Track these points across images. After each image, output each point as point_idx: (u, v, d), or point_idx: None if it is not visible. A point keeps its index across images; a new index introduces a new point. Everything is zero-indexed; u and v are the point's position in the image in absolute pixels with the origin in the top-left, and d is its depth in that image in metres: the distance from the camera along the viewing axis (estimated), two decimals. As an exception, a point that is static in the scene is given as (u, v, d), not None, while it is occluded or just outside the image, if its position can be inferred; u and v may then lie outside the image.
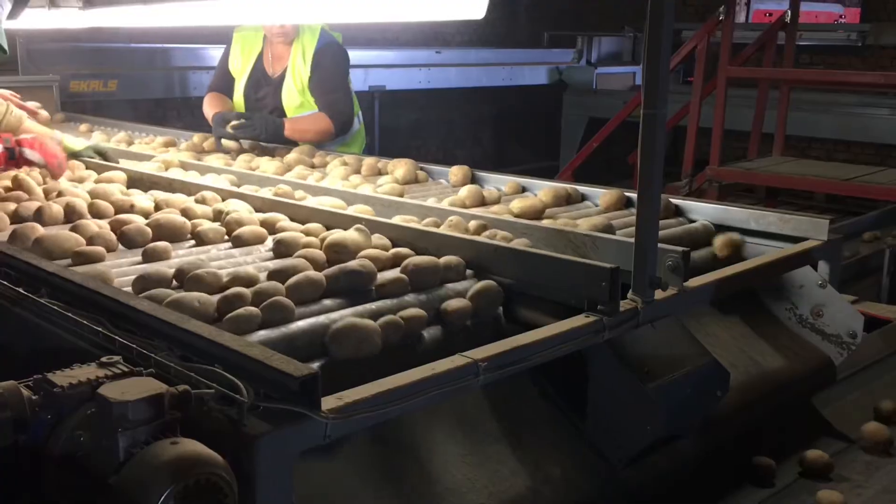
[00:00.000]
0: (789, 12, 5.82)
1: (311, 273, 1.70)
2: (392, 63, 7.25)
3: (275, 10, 2.45)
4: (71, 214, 2.22)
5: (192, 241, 2.09)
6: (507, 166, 5.24)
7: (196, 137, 3.60)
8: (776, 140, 5.84)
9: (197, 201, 2.36)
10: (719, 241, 2.20)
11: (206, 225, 2.12)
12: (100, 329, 1.37)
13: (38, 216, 2.18)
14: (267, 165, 3.02)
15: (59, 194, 2.42)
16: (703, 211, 2.33)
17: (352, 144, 3.87)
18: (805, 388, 2.02)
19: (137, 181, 2.71)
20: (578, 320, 1.54)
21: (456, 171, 2.83)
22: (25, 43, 4.79)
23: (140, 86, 5.70)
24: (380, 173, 2.95)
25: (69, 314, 1.45)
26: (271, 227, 2.13)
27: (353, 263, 1.74)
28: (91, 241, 1.97)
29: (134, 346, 1.30)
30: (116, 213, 2.27)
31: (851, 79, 5.90)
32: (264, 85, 3.76)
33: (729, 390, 1.73)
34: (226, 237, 2.09)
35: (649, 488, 1.63)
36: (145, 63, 5.73)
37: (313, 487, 1.27)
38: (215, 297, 1.58)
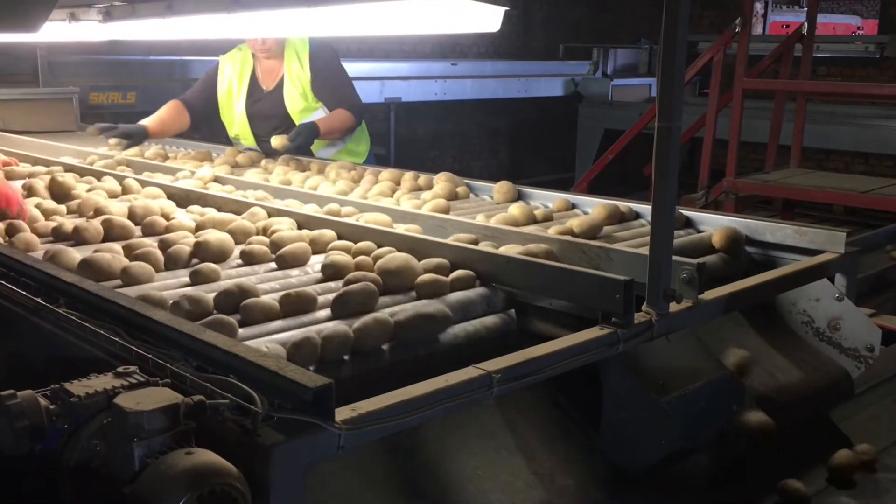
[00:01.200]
0: (806, 24, 5.80)
1: (380, 318, 1.60)
2: (408, 75, 7.29)
3: (292, 23, 2.47)
4: (111, 231, 2.20)
5: (239, 260, 2.04)
6: (523, 178, 5.23)
7: (229, 151, 3.60)
8: (793, 152, 5.81)
9: (243, 218, 2.30)
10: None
11: (253, 244, 2.06)
12: (116, 339, 1.39)
13: (78, 235, 2.15)
14: (303, 180, 2.97)
15: (98, 211, 2.38)
16: (718, 223, 2.32)
17: (359, 143, 3.92)
18: (822, 401, 2.00)
19: (180, 198, 2.64)
20: (593, 332, 1.54)
21: (500, 188, 2.76)
22: (46, 55, 4.85)
23: (158, 97, 5.72)
24: (419, 188, 2.88)
25: (86, 324, 1.46)
26: (319, 245, 2.09)
27: (429, 308, 1.67)
28: (136, 260, 1.93)
29: (150, 356, 1.31)
30: (158, 230, 2.24)
31: (869, 91, 5.86)
32: (261, 99, 3.83)
33: (744, 404, 1.72)
34: (273, 255, 2.02)
35: (664, 502, 1.62)
36: (163, 75, 5.78)
37: (327, 498, 1.28)
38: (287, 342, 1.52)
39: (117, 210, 2.39)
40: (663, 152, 1.55)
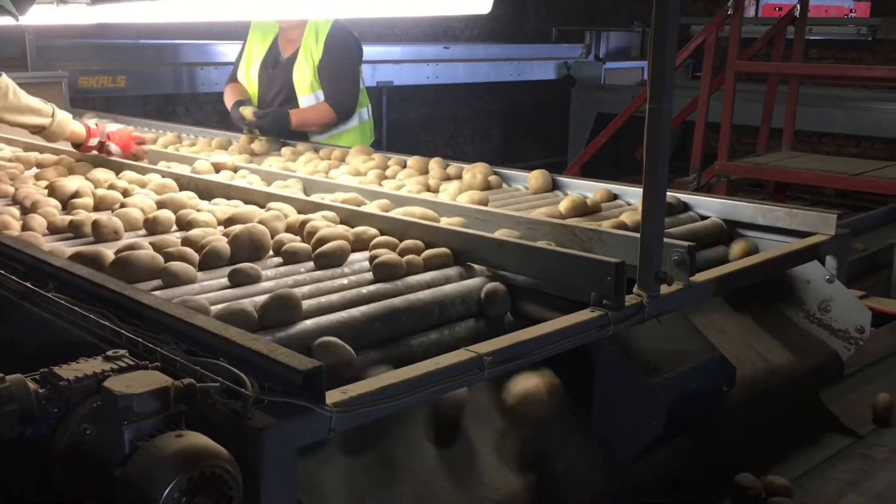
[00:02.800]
0: (799, 6, 5.78)
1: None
2: (400, 59, 7.26)
3: (282, 5, 2.46)
4: (134, 226, 2.11)
5: (278, 259, 1.90)
6: (516, 162, 5.21)
7: (244, 138, 3.53)
8: (785, 135, 5.81)
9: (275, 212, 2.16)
10: (736, 247, 2.16)
11: (294, 242, 1.93)
12: (106, 323, 1.38)
13: (99, 230, 2.04)
14: (326, 169, 2.89)
15: (123, 204, 2.27)
16: (710, 206, 2.32)
17: (361, 135, 3.90)
18: (812, 383, 2.01)
19: (204, 190, 2.51)
20: (584, 315, 1.54)
21: (536, 177, 2.66)
22: (34, 39, 4.82)
23: (149, 82, 5.73)
24: (448, 178, 2.77)
25: (76, 308, 1.46)
26: (362, 242, 1.96)
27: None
28: (171, 259, 1.79)
29: (140, 340, 1.31)
30: (184, 225, 2.11)
31: (861, 73, 5.85)
32: (275, 66, 3.82)
33: (735, 385, 1.73)
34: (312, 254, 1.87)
35: (655, 483, 1.63)
36: (154, 59, 5.75)
37: (317, 480, 1.28)
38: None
39: (141, 203, 2.27)
40: (655, 134, 1.54)
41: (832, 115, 6.77)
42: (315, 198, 2.34)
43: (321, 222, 2.05)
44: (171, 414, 1.10)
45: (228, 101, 3.85)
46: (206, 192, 2.49)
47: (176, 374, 1.19)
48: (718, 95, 5.73)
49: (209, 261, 1.84)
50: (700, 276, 1.76)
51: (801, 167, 5.02)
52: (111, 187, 2.50)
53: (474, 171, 2.70)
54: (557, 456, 1.55)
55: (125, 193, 2.42)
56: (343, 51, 3.74)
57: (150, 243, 1.89)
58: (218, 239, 1.91)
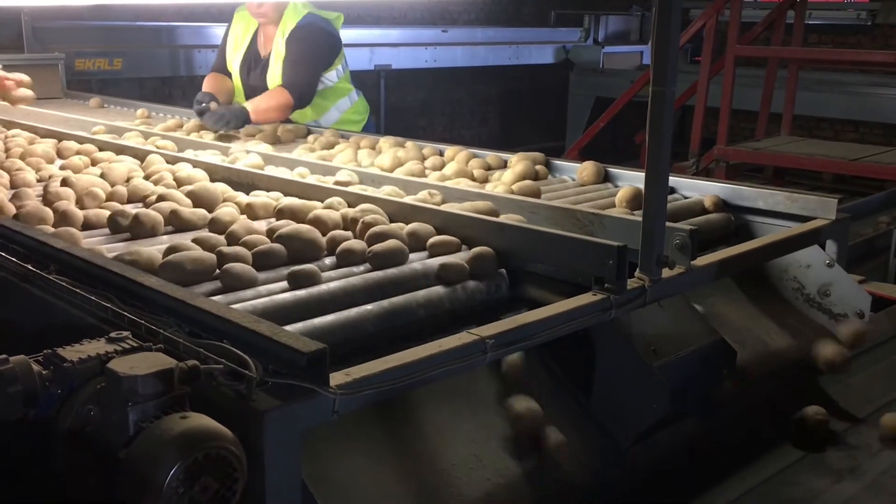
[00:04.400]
0: (799, -10, 5.77)
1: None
2: (398, 42, 7.22)
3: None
4: (173, 222, 1.96)
5: (332, 259, 1.76)
6: (514, 146, 5.21)
7: (268, 126, 3.42)
8: (784, 120, 5.80)
9: (325, 206, 2.01)
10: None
11: (350, 241, 1.78)
12: (108, 305, 1.38)
13: (138, 226, 1.90)
14: (354, 158, 2.76)
15: (160, 197, 2.10)
16: (711, 190, 2.32)
17: (351, 114, 3.88)
18: (812, 367, 2.02)
19: (242, 181, 2.36)
20: (585, 298, 1.54)
21: (585, 169, 2.52)
22: (30, 21, 4.78)
23: (145, 64, 5.69)
24: (489, 167, 2.64)
25: (78, 290, 1.46)
26: (418, 240, 1.82)
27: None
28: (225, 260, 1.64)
29: (143, 322, 1.30)
30: (227, 221, 1.93)
31: (861, 58, 5.85)
32: (256, 66, 3.79)
33: (735, 369, 1.73)
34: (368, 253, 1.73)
35: (655, 466, 1.63)
36: (151, 41, 5.71)
37: (320, 462, 1.28)
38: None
39: (177, 197, 2.12)
40: (657, 117, 1.54)
41: (831, 100, 6.76)
42: (362, 190, 2.20)
43: (375, 217, 1.90)
44: (175, 396, 1.10)
45: (204, 87, 3.75)
46: (251, 184, 2.32)
47: (179, 356, 1.19)
48: (717, 80, 5.72)
49: (264, 260, 1.68)
50: (701, 260, 1.76)
51: (800, 152, 5.03)
52: (147, 177, 2.36)
53: (518, 161, 2.56)
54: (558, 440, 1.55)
55: (159, 182, 2.30)
56: (303, 42, 3.63)
57: (195, 240, 1.76)
58: (261, 234, 1.81)
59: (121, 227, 1.94)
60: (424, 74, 8.01)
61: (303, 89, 3.62)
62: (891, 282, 3.39)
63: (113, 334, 1.21)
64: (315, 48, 3.68)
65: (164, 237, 1.92)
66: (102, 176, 2.35)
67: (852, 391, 2.00)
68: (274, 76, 3.68)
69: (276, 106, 3.54)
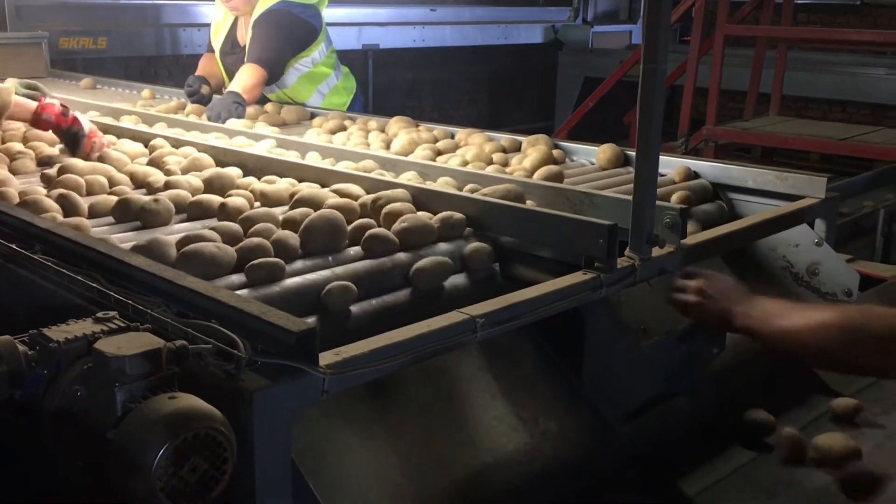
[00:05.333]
0: (788, -30, 5.75)
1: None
2: (386, 21, 7.17)
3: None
4: (186, 210, 1.88)
5: (356, 248, 1.69)
6: (503, 126, 5.16)
7: (271, 107, 3.37)
8: (773, 100, 5.81)
9: (341, 195, 1.93)
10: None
11: (375, 229, 1.70)
12: (95, 285, 1.36)
13: (147, 215, 1.82)
14: (364, 142, 2.69)
15: (168, 184, 2.03)
16: (701, 169, 2.32)
17: (335, 95, 3.85)
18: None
19: (252, 166, 2.27)
20: (576, 277, 1.54)
21: (605, 152, 2.45)
22: (13, -1, 4.71)
23: (130, 43, 5.62)
24: (503, 150, 2.58)
25: (63, 270, 1.44)
26: (445, 229, 1.75)
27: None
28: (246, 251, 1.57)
29: (130, 301, 1.29)
30: (240, 208, 1.86)
31: (849, 37, 5.85)
32: (234, 52, 3.75)
33: (725, 348, 1.74)
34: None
35: (645, 445, 1.64)
36: (136, 20, 5.65)
37: (310, 443, 1.28)
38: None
39: (188, 183, 2.03)
40: (648, 95, 1.53)
41: (819, 81, 6.77)
42: (380, 175, 2.14)
43: (400, 205, 1.81)
44: (163, 376, 1.09)
45: (198, 70, 3.75)
46: (263, 169, 2.23)
47: (167, 336, 1.18)
48: (706, 60, 5.71)
49: (280, 252, 1.60)
50: (691, 239, 1.76)
51: (789, 132, 5.03)
52: (148, 164, 2.28)
53: (536, 145, 2.51)
54: (548, 418, 1.55)
55: (164, 169, 2.21)
56: (268, 22, 3.58)
57: (214, 229, 1.68)
58: (275, 223, 1.74)
59: (129, 215, 1.85)
60: (412, 54, 7.95)
61: (271, 63, 3.58)
62: (878, 261, 3.41)
63: (100, 314, 1.20)
64: (281, 30, 3.62)
65: (177, 226, 1.85)
66: (106, 160, 2.28)
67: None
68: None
69: (258, 82, 3.51)
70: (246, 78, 3.49)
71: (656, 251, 1.63)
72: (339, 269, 1.59)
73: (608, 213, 1.78)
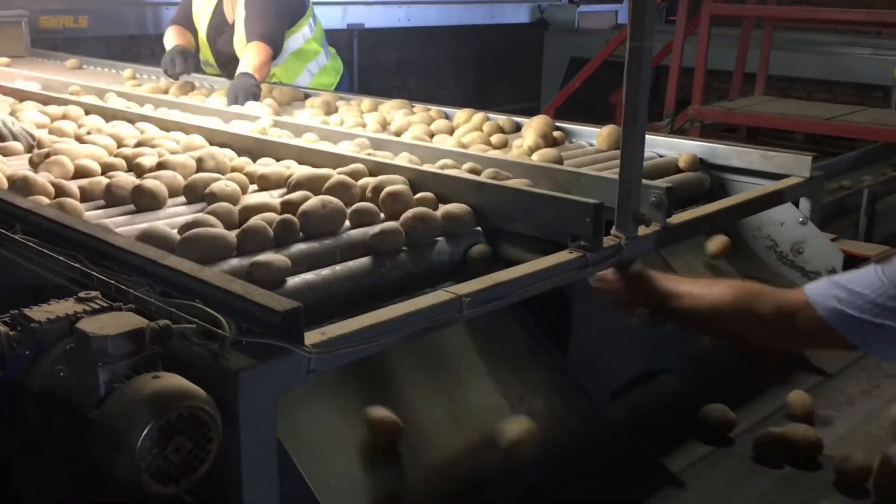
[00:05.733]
0: (774, -51, 5.74)
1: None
2: (371, 0, 7.11)
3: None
4: (179, 193, 1.84)
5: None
6: (489, 107, 5.15)
7: (263, 87, 3.27)
8: (758, 79, 5.80)
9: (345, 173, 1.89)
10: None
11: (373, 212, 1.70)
12: (76, 265, 1.35)
13: (142, 197, 1.78)
14: (355, 123, 2.63)
15: (161, 165, 1.97)
16: (687, 148, 2.31)
17: (323, 75, 3.81)
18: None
19: (247, 147, 2.23)
20: (562, 256, 1.54)
21: (607, 133, 2.40)
22: (-9, -24, 4.64)
23: (112, 22, 5.55)
24: (501, 131, 2.53)
25: (45, 250, 1.42)
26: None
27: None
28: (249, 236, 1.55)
29: (112, 282, 1.28)
30: (233, 192, 1.82)
31: (835, 16, 5.83)
32: (223, 31, 3.69)
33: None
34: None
35: (631, 422, 1.64)
36: (117, -2, 5.58)
37: (296, 422, 1.27)
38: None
39: (180, 164, 1.98)
40: (634, 74, 1.52)
41: (804, 61, 6.77)
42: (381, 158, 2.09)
43: (399, 187, 1.80)
44: (146, 356, 1.08)
45: (169, 42, 3.64)
46: (259, 151, 2.19)
47: (150, 315, 1.17)
48: (692, 40, 5.70)
49: (280, 237, 1.59)
50: (677, 218, 1.76)
51: (774, 112, 5.03)
52: (138, 145, 2.22)
53: (535, 126, 2.48)
54: (534, 396, 1.56)
55: (157, 152, 2.14)
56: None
57: (213, 212, 1.66)
58: (273, 209, 1.72)
59: (121, 198, 1.81)
60: (398, 34, 7.90)
61: (275, 38, 3.53)
62: (861, 240, 3.42)
63: (82, 294, 1.19)
64: (274, 4, 3.57)
65: (171, 209, 1.81)
66: (92, 141, 2.22)
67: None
68: (240, 41, 3.58)
69: (266, 60, 3.45)
70: (255, 57, 3.42)
71: (642, 230, 1.63)
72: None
73: (594, 192, 1.78)
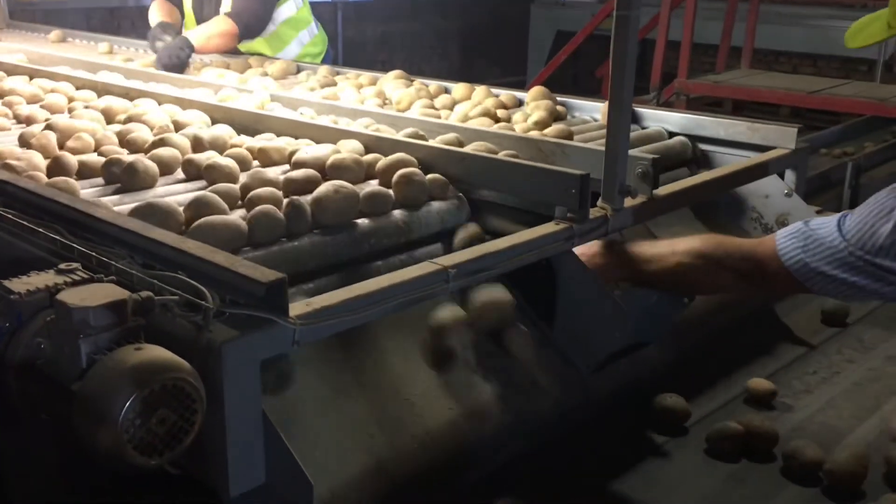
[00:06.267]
0: (761, -80, 5.71)
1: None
2: (355, -28, 7.05)
3: None
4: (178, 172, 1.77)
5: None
6: (475, 81, 5.11)
7: (254, 60, 3.24)
8: (744, 53, 5.80)
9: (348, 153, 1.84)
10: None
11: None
12: (57, 237, 1.33)
13: (136, 176, 1.70)
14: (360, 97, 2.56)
15: (158, 142, 1.88)
16: (673, 121, 2.31)
17: (310, 47, 3.76)
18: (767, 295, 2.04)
19: (243, 123, 2.15)
20: (548, 227, 1.53)
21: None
22: (-32, -54, 4.55)
23: (92, -7, 5.48)
24: (503, 107, 2.48)
25: (24, 222, 1.40)
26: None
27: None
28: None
29: (93, 254, 1.26)
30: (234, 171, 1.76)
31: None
32: (210, 1, 3.63)
33: (695, 298, 1.74)
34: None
35: (616, 395, 1.65)
36: (97, -31, 5.49)
37: (282, 394, 1.27)
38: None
39: (179, 143, 1.91)
40: (621, 43, 1.51)
41: (790, 34, 6.77)
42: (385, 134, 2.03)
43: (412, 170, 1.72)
44: (129, 327, 1.07)
45: (153, 18, 3.60)
46: (256, 128, 2.13)
47: (132, 287, 1.15)
48: (678, 13, 5.69)
49: (292, 223, 1.52)
50: (663, 190, 1.75)
51: (760, 85, 5.04)
52: (129, 120, 2.14)
53: (537, 99, 2.43)
54: (520, 368, 1.56)
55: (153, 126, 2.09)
56: None
57: (217, 192, 1.59)
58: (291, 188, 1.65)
59: (117, 176, 1.73)
60: (383, 7, 7.84)
61: (249, 20, 3.48)
62: (846, 213, 3.43)
63: (62, 266, 1.17)
64: None
65: (171, 186, 1.75)
66: (84, 116, 2.15)
67: (806, 319, 2.03)
68: (226, 8, 3.53)
69: (219, 33, 3.39)
70: (207, 27, 3.39)
71: (628, 201, 1.62)
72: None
73: (580, 164, 1.77)
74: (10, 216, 1.44)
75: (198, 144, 1.94)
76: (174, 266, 1.21)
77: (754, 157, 2.09)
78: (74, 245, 1.30)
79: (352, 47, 7.54)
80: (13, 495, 1.33)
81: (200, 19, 3.66)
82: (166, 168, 1.81)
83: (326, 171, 1.75)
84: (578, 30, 6.97)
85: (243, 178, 1.73)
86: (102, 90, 2.53)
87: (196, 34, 3.34)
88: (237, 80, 2.85)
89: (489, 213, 1.74)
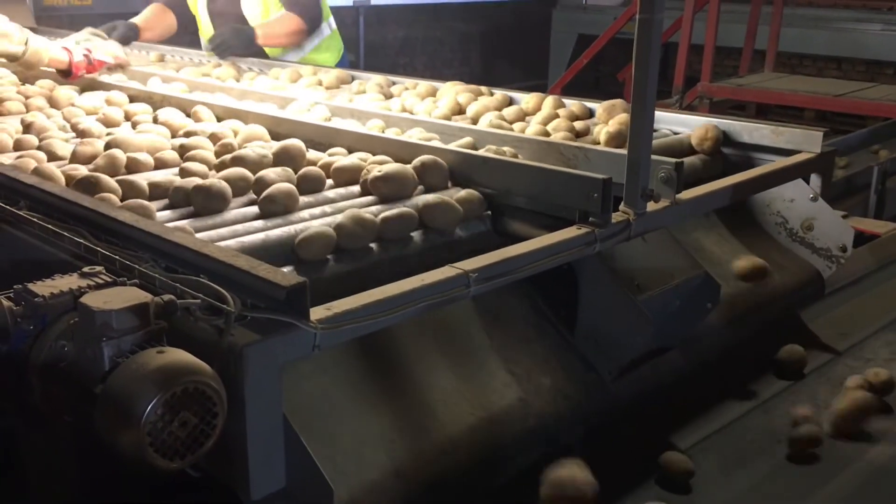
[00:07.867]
0: (785, -77, 5.67)
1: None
2: (377, -23, 7.07)
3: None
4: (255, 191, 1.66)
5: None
6: (496, 85, 5.11)
7: (305, 70, 3.05)
8: (768, 56, 5.76)
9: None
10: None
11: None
12: (81, 241, 1.34)
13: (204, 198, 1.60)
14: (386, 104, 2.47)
15: (234, 160, 1.79)
16: (696, 124, 2.29)
17: (324, 51, 3.74)
18: (794, 301, 2.02)
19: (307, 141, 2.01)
20: (570, 232, 1.52)
21: (610, 110, 2.30)
22: (-5, -47, 4.60)
23: (117, 0, 5.52)
24: (576, 118, 2.35)
25: (49, 226, 1.41)
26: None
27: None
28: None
29: (117, 257, 1.27)
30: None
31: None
32: None
33: (719, 303, 1.73)
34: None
35: (638, 400, 1.64)
36: (122, -25, 5.53)
37: (302, 398, 1.27)
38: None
39: (253, 159, 1.80)
40: (644, 47, 1.50)
41: (814, 37, 6.71)
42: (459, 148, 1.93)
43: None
44: (151, 330, 1.08)
45: (138, 19, 3.60)
46: (329, 142, 2.04)
47: (155, 291, 1.16)
48: (701, 16, 5.65)
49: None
50: (686, 194, 1.74)
51: (784, 88, 5.00)
52: (189, 134, 2.05)
53: (543, 101, 2.40)
54: (541, 373, 1.55)
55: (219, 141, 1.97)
56: None
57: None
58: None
59: (187, 199, 1.62)
60: (405, 11, 7.86)
61: (313, 14, 3.45)
62: (871, 217, 3.40)
63: (86, 269, 1.18)
64: None
65: (247, 209, 1.63)
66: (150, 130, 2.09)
67: (832, 325, 2.01)
68: (249, 2, 3.48)
69: (288, 32, 3.37)
70: (277, 25, 3.34)
71: (651, 206, 1.61)
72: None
73: (602, 168, 1.76)
74: (35, 220, 1.45)
75: (277, 163, 1.81)
76: (196, 270, 1.22)
77: (779, 161, 2.07)
78: (98, 249, 1.31)
79: (373, 52, 7.56)
80: (35, 496, 1.34)
81: (212, 16, 3.60)
82: (237, 189, 1.68)
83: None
84: (599, 33, 6.95)
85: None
86: (160, 102, 2.43)
87: (264, 30, 3.28)
88: (275, 87, 2.75)
89: (510, 216, 1.74)
